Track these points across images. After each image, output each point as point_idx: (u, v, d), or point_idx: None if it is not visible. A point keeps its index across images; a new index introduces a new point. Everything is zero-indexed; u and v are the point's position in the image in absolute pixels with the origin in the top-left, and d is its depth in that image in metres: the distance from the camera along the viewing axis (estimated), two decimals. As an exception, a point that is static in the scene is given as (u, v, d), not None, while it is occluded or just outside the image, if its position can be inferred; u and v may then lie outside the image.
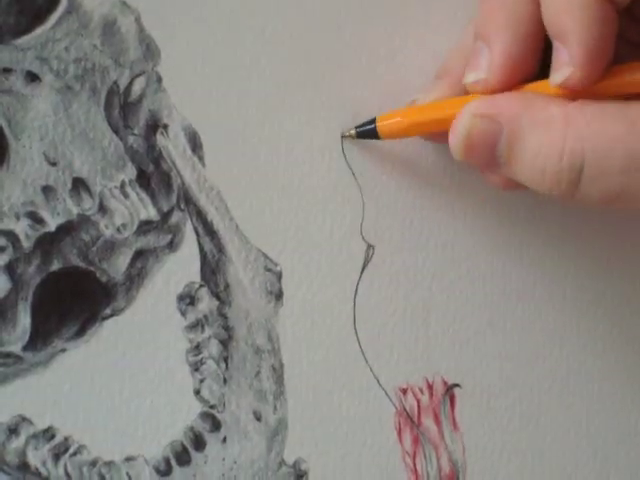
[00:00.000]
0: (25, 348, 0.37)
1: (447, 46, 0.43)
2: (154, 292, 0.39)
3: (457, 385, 0.44)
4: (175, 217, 0.40)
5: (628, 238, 0.47)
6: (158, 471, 0.39)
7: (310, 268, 0.42)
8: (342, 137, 0.42)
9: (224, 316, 0.40)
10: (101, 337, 0.39)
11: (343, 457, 0.42)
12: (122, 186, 0.39)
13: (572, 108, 0.37)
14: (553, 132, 0.37)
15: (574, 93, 0.37)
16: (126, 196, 0.39)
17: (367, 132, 0.42)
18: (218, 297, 0.40)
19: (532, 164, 0.38)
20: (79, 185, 0.38)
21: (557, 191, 0.38)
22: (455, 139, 0.39)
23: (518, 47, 0.39)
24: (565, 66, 0.37)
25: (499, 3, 0.39)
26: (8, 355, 0.37)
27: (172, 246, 0.40)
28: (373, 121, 0.42)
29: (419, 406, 0.43)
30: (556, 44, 0.38)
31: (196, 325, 0.40)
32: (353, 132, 0.42)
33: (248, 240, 0.41)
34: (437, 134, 0.41)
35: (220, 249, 0.40)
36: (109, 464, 0.39)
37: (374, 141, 0.42)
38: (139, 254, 0.39)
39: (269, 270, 0.41)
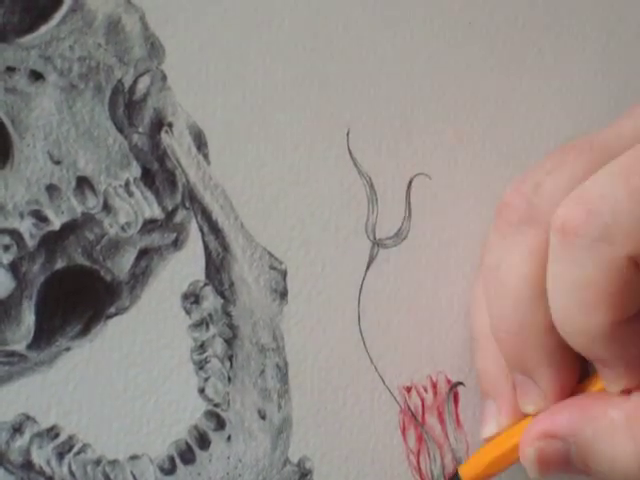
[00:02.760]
0: (29, 347, 0.37)
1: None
2: (158, 291, 0.39)
3: (461, 383, 0.44)
4: (180, 215, 0.40)
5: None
6: (162, 470, 0.39)
7: (315, 266, 0.42)
8: None
9: (229, 314, 0.40)
10: (105, 336, 0.39)
11: (347, 455, 0.42)
12: (126, 184, 0.39)
13: (631, 407, 0.37)
14: (620, 440, 0.37)
15: None
16: (130, 195, 0.39)
17: None
18: (223, 295, 0.40)
19: (611, 474, 0.38)
20: (83, 184, 0.38)
21: None
22: (528, 463, 0.39)
23: (561, 372, 0.40)
24: (616, 381, 0.38)
25: (521, 340, 0.39)
26: (12, 354, 0.37)
27: (177, 244, 0.40)
28: (456, 474, 0.42)
29: (423, 405, 0.43)
30: (598, 365, 0.38)
31: (201, 324, 0.40)
32: None
33: (253, 238, 0.41)
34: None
35: (225, 247, 0.40)
36: (113, 463, 0.39)
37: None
38: (143, 253, 0.39)
39: (274, 268, 0.41)
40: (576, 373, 0.40)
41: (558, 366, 0.39)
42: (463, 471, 0.42)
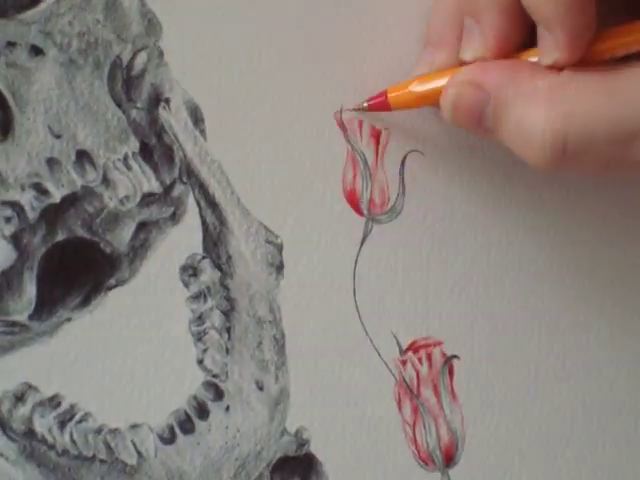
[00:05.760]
0: (31, 317, 0.38)
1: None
2: (157, 263, 0.40)
3: (455, 356, 0.45)
4: (177, 190, 0.40)
5: (628, 211, 0.47)
6: (162, 439, 0.40)
7: (311, 240, 0.42)
8: (354, 110, 0.43)
9: (226, 287, 0.41)
10: (105, 307, 0.39)
11: (344, 426, 0.42)
12: (125, 159, 0.39)
13: (557, 81, 0.38)
14: (536, 105, 0.38)
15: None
16: (129, 168, 0.39)
17: (378, 104, 0.43)
18: (220, 269, 0.41)
19: (516, 135, 0.39)
20: (83, 157, 0.39)
21: (542, 163, 0.38)
22: (445, 104, 0.40)
23: (508, 24, 0.40)
24: (551, 51, 0.38)
25: None
26: (14, 324, 0.38)
27: (174, 218, 0.40)
28: (383, 94, 0.42)
29: (418, 377, 0.44)
30: (540, 28, 0.39)
31: (199, 296, 0.41)
32: (365, 105, 0.43)
33: (249, 213, 0.41)
34: None
35: (222, 221, 0.41)
36: (114, 431, 0.39)
37: (373, 115, 0.43)
38: (142, 226, 0.40)
39: (270, 242, 0.42)
40: (519, 37, 0.40)
41: (507, 17, 0.40)
42: (390, 93, 0.42)
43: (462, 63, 0.41)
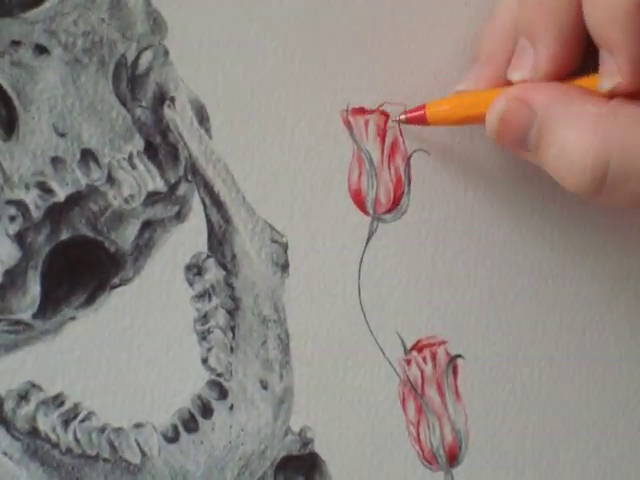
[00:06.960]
0: (35, 316, 0.38)
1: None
2: (162, 262, 0.40)
3: (460, 356, 0.45)
4: (182, 188, 0.40)
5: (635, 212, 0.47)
6: (166, 438, 0.40)
7: (316, 240, 0.42)
8: (392, 121, 0.43)
9: (231, 286, 0.41)
10: (110, 306, 0.39)
11: (348, 426, 0.42)
12: (130, 157, 0.39)
13: (607, 108, 0.38)
14: (583, 128, 0.37)
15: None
16: (134, 167, 0.39)
17: (415, 118, 0.43)
18: (225, 267, 0.41)
19: (559, 157, 0.38)
20: (88, 156, 0.39)
21: (581, 188, 0.38)
22: (490, 119, 0.40)
23: (563, 49, 0.40)
24: (613, 75, 0.38)
25: (543, 4, 0.39)
26: (18, 322, 0.38)
27: (179, 217, 0.40)
28: (422, 107, 0.42)
29: (423, 376, 0.44)
30: (602, 52, 0.38)
31: (203, 295, 0.41)
32: (404, 117, 0.43)
33: (254, 212, 0.41)
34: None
35: (227, 220, 0.41)
36: (118, 430, 0.39)
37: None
38: (147, 224, 0.40)
39: (275, 241, 0.42)
40: (571, 65, 0.40)
41: (563, 42, 0.39)
42: (430, 110, 0.42)
43: (507, 84, 0.41)
